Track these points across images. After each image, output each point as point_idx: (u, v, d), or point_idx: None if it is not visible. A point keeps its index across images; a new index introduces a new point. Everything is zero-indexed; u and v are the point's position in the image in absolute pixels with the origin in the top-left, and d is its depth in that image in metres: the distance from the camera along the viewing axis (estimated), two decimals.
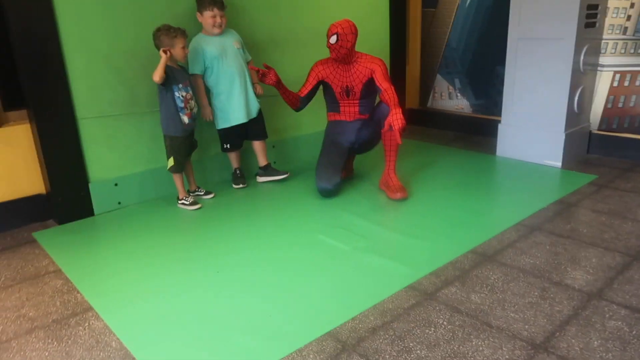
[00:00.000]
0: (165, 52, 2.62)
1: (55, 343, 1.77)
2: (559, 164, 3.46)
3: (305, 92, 3.01)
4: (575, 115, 3.50)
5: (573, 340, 1.67)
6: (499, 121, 3.78)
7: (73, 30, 2.64)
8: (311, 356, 1.65)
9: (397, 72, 4.50)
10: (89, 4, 2.67)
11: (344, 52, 2.84)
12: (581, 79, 3.44)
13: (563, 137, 3.41)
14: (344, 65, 2.94)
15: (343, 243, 2.42)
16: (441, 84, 4.70)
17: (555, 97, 3.41)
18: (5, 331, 1.85)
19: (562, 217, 2.65)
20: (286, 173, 3.36)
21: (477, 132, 4.43)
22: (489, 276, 2.09)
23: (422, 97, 4.88)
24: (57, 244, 2.56)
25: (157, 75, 2.61)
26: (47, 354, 1.72)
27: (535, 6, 3.36)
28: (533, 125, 3.56)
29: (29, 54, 2.54)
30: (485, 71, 4.34)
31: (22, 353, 1.73)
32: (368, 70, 2.91)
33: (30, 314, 1.96)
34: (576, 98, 3.43)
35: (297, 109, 3.06)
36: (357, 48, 2.98)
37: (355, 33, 2.85)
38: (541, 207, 2.78)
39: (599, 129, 3.72)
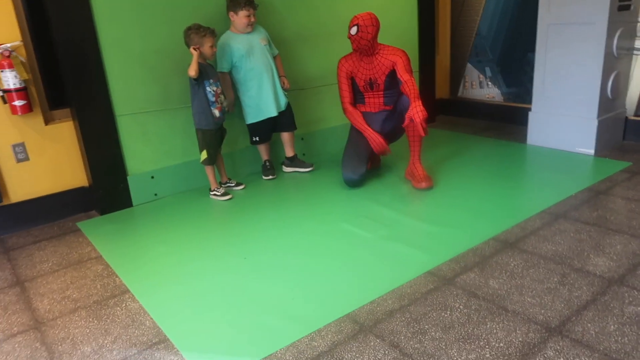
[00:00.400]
0: (195, 49, 2.75)
1: (95, 321, 1.93)
2: (591, 151, 3.39)
3: (349, 96, 3.10)
4: (609, 101, 3.41)
5: (589, 325, 1.68)
6: (530, 109, 3.72)
7: (110, 33, 2.81)
8: (329, 336, 1.73)
9: (426, 62, 4.49)
10: (124, 8, 2.82)
11: (364, 44, 2.89)
12: (615, 63, 3.35)
13: (596, 123, 3.34)
14: (367, 58, 2.99)
15: (366, 231, 2.49)
16: (472, 73, 4.65)
17: (587, 82, 3.33)
18: (52, 310, 2.03)
19: (590, 205, 2.61)
20: (311, 166, 3.45)
21: (508, 121, 4.37)
22: (508, 262, 2.11)
23: (452, 86, 4.85)
24: (98, 233, 2.74)
25: (193, 70, 2.75)
26: (88, 331, 1.88)
27: None
28: (565, 112, 3.49)
29: (70, 57, 2.72)
30: (516, 59, 4.27)
31: (66, 330, 1.89)
32: (390, 62, 2.94)
33: (74, 295, 2.13)
34: (610, 83, 3.34)
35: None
36: (384, 38, 3.02)
37: (376, 25, 2.89)
38: (569, 194, 2.75)
39: (635, 115, 3.60)
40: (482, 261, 2.14)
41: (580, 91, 3.38)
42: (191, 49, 2.78)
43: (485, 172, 3.22)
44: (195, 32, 2.82)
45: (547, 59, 3.51)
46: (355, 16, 2.90)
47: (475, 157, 3.55)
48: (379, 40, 3.05)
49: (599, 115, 3.34)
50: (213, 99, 2.92)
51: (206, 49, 2.84)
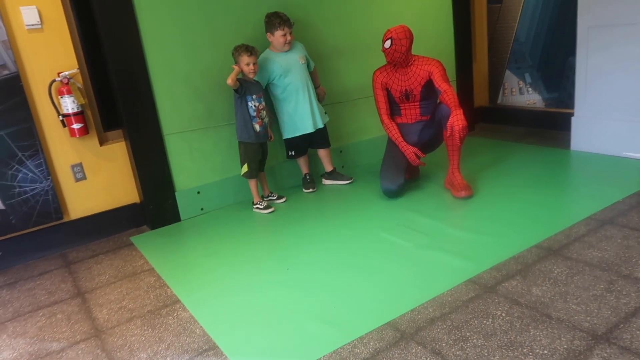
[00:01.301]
0: (235, 66, 2.94)
1: (150, 330, 2.05)
2: (639, 155, 3.28)
3: (386, 107, 3.14)
4: None
5: (638, 332, 1.65)
6: (573, 114, 3.65)
7: (157, 57, 2.98)
8: (371, 343, 1.77)
9: (463, 70, 4.48)
10: (170, 33, 3.00)
11: (397, 56, 2.94)
12: None
13: None
14: (402, 69, 3.04)
15: (405, 240, 2.52)
16: (511, 80, 4.60)
17: (632, 84, 3.24)
18: (110, 320, 2.17)
19: (638, 210, 2.54)
20: (351, 178, 3.51)
21: (550, 127, 4.29)
22: (552, 270, 2.09)
23: (491, 94, 4.81)
24: (150, 247, 2.89)
25: (230, 79, 2.90)
26: (143, 338, 1.99)
27: None
28: (609, 116, 3.41)
29: (122, 81, 2.91)
30: (556, 63, 4.20)
31: (124, 338, 2.02)
32: (426, 73, 2.98)
33: (130, 305, 2.27)
34: None
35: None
36: (419, 48, 3.06)
37: (409, 37, 2.94)
38: (616, 200, 2.68)
39: None
40: (524, 269, 2.12)
41: (625, 94, 3.29)
42: (234, 65, 2.95)
43: (527, 179, 3.18)
44: (237, 50, 2.97)
45: (589, 62, 3.45)
46: (389, 30, 2.96)
47: (517, 164, 3.51)
48: (415, 50, 3.10)
49: None
50: (254, 113, 3.05)
51: (242, 66, 2.98)
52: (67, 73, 2.83)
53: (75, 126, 2.86)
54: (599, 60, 3.39)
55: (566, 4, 3.98)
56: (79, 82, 2.92)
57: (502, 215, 2.67)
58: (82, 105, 2.90)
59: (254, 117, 3.06)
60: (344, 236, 2.68)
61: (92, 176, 3.05)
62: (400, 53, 2.94)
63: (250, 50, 2.98)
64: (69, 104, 2.82)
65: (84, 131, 2.90)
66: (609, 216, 2.52)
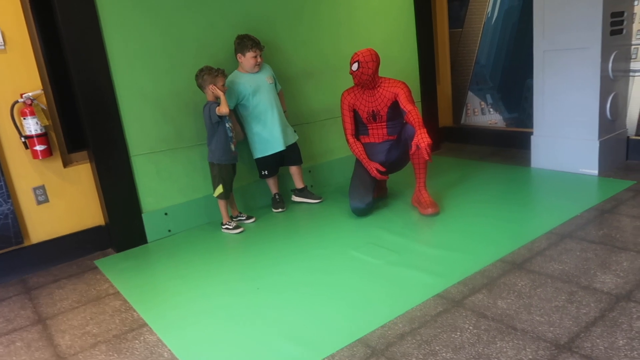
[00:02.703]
0: (217, 88, 2.95)
1: (115, 355, 1.99)
2: (595, 171, 3.44)
3: (351, 128, 3.21)
4: (609, 122, 3.48)
5: (598, 340, 1.71)
6: (532, 133, 3.80)
7: (125, 78, 2.96)
8: None
9: (428, 92, 4.62)
10: (138, 54, 2.99)
11: (365, 79, 3.02)
12: (612, 85, 3.44)
13: (597, 144, 3.40)
14: (369, 91, 3.11)
15: (375, 258, 2.54)
16: (473, 101, 4.77)
17: (586, 105, 3.42)
18: (73, 346, 2.09)
19: (595, 224, 2.65)
20: (320, 198, 3.55)
21: (511, 146, 4.45)
22: (516, 283, 2.15)
23: (455, 114, 4.96)
24: (115, 270, 2.82)
25: (226, 107, 2.94)
26: None
27: (558, 18, 3.42)
28: (566, 135, 3.57)
29: (88, 103, 2.87)
30: (515, 85, 4.39)
31: None
32: (392, 94, 3.06)
33: (94, 330, 2.20)
34: (608, 105, 3.42)
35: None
36: (387, 71, 3.15)
37: (376, 60, 3.02)
38: (574, 214, 2.79)
39: (636, 134, 3.67)
40: (490, 282, 2.18)
41: (580, 113, 3.46)
42: (218, 92, 2.96)
43: (490, 196, 3.28)
44: (208, 73, 2.97)
45: (545, 84, 3.62)
46: (356, 53, 3.04)
47: (481, 182, 3.61)
48: (382, 72, 3.19)
49: (600, 136, 3.41)
50: (231, 134, 3.08)
51: (219, 88, 2.99)
52: (30, 94, 2.78)
53: (38, 148, 2.79)
54: (554, 82, 3.56)
55: (522, 30, 4.18)
56: (43, 103, 2.87)
57: (467, 231, 2.74)
58: (45, 127, 2.84)
59: (231, 137, 3.08)
60: (314, 255, 2.68)
61: (55, 199, 2.97)
62: (367, 75, 3.01)
63: (223, 71, 3.00)
64: (31, 126, 2.76)
65: (47, 153, 2.84)
66: (568, 230, 2.62)
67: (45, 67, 2.92)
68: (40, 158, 2.83)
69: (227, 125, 3.06)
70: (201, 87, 3.03)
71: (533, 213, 2.95)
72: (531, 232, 2.63)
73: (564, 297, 2.00)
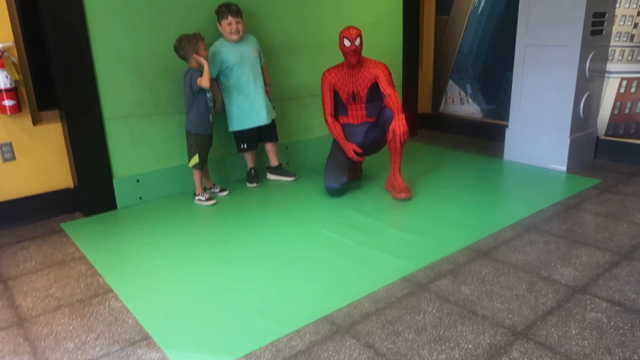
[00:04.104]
0: (199, 55, 2.88)
1: (78, 319, 1.97)
2: (564, 168, 3.54)
3: (331, 108, 3.19)
4: (581, 121, 3.57)
5: (552, 329, 1.78)
6: (507, 126, 3.87)
7: (102, 37, 2.87)
8: (307, 336, 1.80)
9: (410, 77, 4.63)
10: (118, 14, 2.89)
11: (359, 57, 3.01)
12: (587, 85, 3.51)
13: (568, 142, 3.49)
14: (350, 71, 3.10)
15: (346, 238, 2.57)
16: (453, 89, 4.80)
17: (560, 102, 3.49)
18: (35, 308, 2.06)
19: (559, 218, 2.74)
20: (295, 175, 3.54)
21: (487, 137, 4.52)
22: (480, 270, 2.21)
23: (434, 102, 5.00)
24: (82, 234, 2.77)
25: (207, 81, 2.86)
26: (71, 328, 1.91)
27: (543, 14, 3.45)
28: (539, 130, 3.64)
29: (62, 60, 2.77)
30: (495, 77, 4.44)
31: (49, 327, 1.93)
32: (372, 75, 3.06)
33: (57, 294, 2.17)
34: (582, 104, 3.50)
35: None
36: (370, 53, 3.15)
37: None
38: (540, 208, 2.88)
39: (605, 135, 3.78)
40: (455, 269, 2.24)
41: (554, 110, 3.53)
42: (201, 59, 2.89)
43: (462, 185, 3.34)
44: (187, 42, 2.90)
45: (524, 79, 3.67)
46: (351, 28, 2.99)
47: (454, 170, 3.67)
48: (364, 54, 3.17)
49: (571, 134, 3.49)
50: (211, 104, 3.02)
51: (202, 52, 2.93)
52: (0, 46, 2.66)
53: (7, 103, 2.69)
54: (533, 77, 3.62)
55: (507, 22, 4.21)
56: (14, 56, 2.75)
57: (438, 218, 2.79)
58: (15, 82, 2.73)
59: (210, 107, 3.03)
60: (285, 231, 2.70)
61: (22, 157, 2.88)
62: (361, 52, 3.00)
63: (200, 35, 2.93)
64: (0, 79, 2.65)
65: (17, 109, 2.73)
66: (533, 222, 2.70)
67: (18, 18, 2.79)
68: (9, 114, 2.72)
69: (208, 95, 3.00)
70: (184, 57, 2.96)
71: (502, 204, 3.03)
72: (498, 222, 2.70)
73: (524, 287, 2.07)
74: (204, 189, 3.24)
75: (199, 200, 3.15)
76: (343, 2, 3.93)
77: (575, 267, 2.22)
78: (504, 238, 2.52)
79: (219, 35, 3.20)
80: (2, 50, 2.66)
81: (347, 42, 2.99)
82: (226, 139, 3.45)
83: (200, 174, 3.16)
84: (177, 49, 2.94)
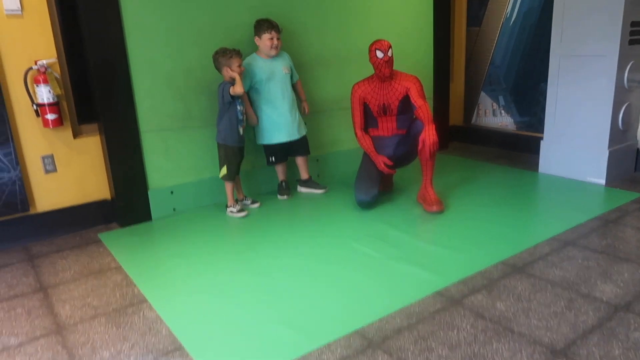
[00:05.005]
0: (233, 70, 2.96)
1: (114, 328, 2.01)
2: (602, 181, 3.43)
3: (361, 122, 3.20)
4: (620, 133, 3.47)
5: (594, 349, 1.72)
6: (542, 138, 3.79)
7: (140, 52, 2.96)
8: (339, 350, 1.78)
9: (440, 89, 4.60)
10: (155, 29, 2.98)
11: (392, 69, 3.03)
12: (626, 95, 3.41)
13: (607, 154, 3.39)
14: (381, 84, 3.10)
15: (376, 251, 2.55)
16: (485, 101, 4.74)
17: (598, 114, 3.40)
18: (73, 316, 2.12)
19: (599, 233, 2.65)
20: (325, 188, 3.55)
21: (520, 149, 4.43)
22: (516, 286, 2.16)
23: (466, 114, 4.94)
24: (118, 245, 2.84)
25: (240, 87, 2.94)
26: (107, 337, 1.95)
27: (578, 24, 3.39)
28: (576, 142, 3.55)
29: (101, 74, 2.87)
30: (529, 88, 4.36)
31: (86, 335, 1.97)
32: (403, 88, 3.05)
33: (94, 303, 2.22)
34: (620, 115, 3.40)
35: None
36: (400, 65, 3.17)
37: None
38: (578, 222, 2.79)
39: None
40: (490, 284, 2.19)
41: (592, 122, 3.44)
42: (232, 73, 2.96)
43: (496, 198, 3.27)
44: (222, 55, 2.97)
45: (559, 90, 3.59)
46: (381, 40, 3.02)
47: (487, 183, 3.61)
48: (395, 66, 3.18)
49: (610, 146, 3.39)
50: (241, 117, 3.08)
51: (235, 68, 2.99)
52: (44, 62, 2.78)
53: (50, 116, 2.80)
54: (568, 89, 3.54)
55: (540, 33, 4.14)
56: (57, 71, 2.87)
57: (471, 232, 2.74)
58: (58, 96, 2.84)
59: (240, 120, 3.08)
60: (316, 244, 2.70)
61: (63, 169, 2.98)
62: (392, 64, 3.01)
63: (238, 51, 3.00)
64: (44, 94, 2.76)
65: (58, 122, 2.84)
66: (571, 237, 2.62)
67: (60, 35, 2.91)
68: (51, 127, 2.83)
69: (239, 107, 3.06)
70: (218, 69, 3.03)
71: (537, 218, 2.95)
72: (534, 237, 2.63)
73: (563, 304, 2.00)
74: (236, 201, 3.28)
75: (231, 212, 3.19)
76: (373, 15, 3.95)
77: (616, 284, 2.13)
78: (540, 253, 2.46)
79: (250, 49, 3.26)
80: (46, 66, 2.78)
81: (379, 54, 2.99)
82: (257, 151, 3.49)
83: (232, 185, 3.21)
84: (213, 59, 3.03)
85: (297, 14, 3.54)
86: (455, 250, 2.52)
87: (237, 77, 2.95)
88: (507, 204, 3.16)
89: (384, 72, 3.03)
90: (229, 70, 2.97)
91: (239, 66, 3.02)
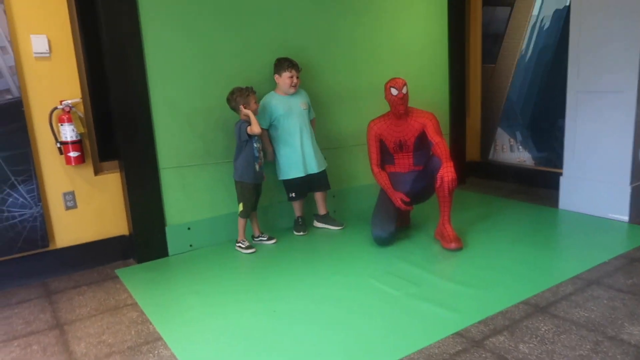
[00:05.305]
0: (246, 108, 3.02)
1: None
2: (625, 217, 3.35)
3: (377, 158, 3.22)
4: None
5: None
6: (561, 173, 3.74)
7: (160, 93, 3.04)
8: None
9: (457, 125, 4.61)
10: (176, 71, 3.07)
11: (407, 106, 3.06)
12: None
13: (629, 190, 3.32)
14: (396, 121, 3.13)
15: (394, 289, 2.51)
16: (502, 137, 4.73)
17: (618, 149, 3.35)
18: (88, 354, 2.10)
19: (624, 272, 2.57)
20: (342, 224, 3.55)
21: (539, 185, 4.38)
22: (539, 327, 2.09)
23: (483, 149, 4.92)
24: (135, 281, 2.84)
25: (257, 127, 2.98)
26: None
27: (594, 60, 3.39)
28: (596, 178, 3.49)
29: (124, 114, 2.95)
30: (546, 124, 4.34)
31: None
32: (420, 124, 3.07)
33: (110, 340, 2.21)
34: None
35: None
36: (416, 102, 3.21)
37: None
38: (602, 261, 2.71)
39: None
40: (512, 324, 2.12)
41: (612, 157, 3.39)
42: (246, 111, 3.01)
43: (515, 235, 3.21)
44: (240, 94, 3.03)
45: (578, 125, 3.57)
46: (397, 78, 3.08)
47: (506, 219, 3.55)
48: (411, 103, 3.23)
49: (632, 181, 3.33)
50: (257, 154, 3.11)
51: (252, 105, 3.05)
52: (69, 102, 2.87)
53: (72, 154, 2.87)
54: (587, 124, 3.51)
55: (556, 69, 4.15)
56: (81, 111, 2.96)
57: (490, 270, 2.69)
58: (80, 134, 2.92)
59: (257, 157, 3.12)
60: (333, 281, 2.66)
61: (83, 205, 3.03)
62: (407, 101, 3.04)
63: (252, 88, 3.06)
64: (68, 132, 2.84)
65: (80, 160, 2.91)
66: (595, 276, 2.54)
67: (85, 75, 3.02)
68: (73, 164, 2.90)
69: (255, 145, 3.09)
70: (235, 109, 3.09)
71: (559, 256, 2.88)
72: (556, 276, 2.56)
73: (588, 347, 1.93)
74: (252, 238, 3.28)
75: (239, 247, 3.19)
76: (389, 52, 4.01)
77: None
78: (563, 293, 2.38)
79: (269, 89, 3.33)
80: (70, 105, 2.87)
81: (394, 91, 3.03)
82: (274, 187, 3.51)
83: (245, 222, 3.21)
84: (229, 100, 3.08)
85: (313, 53, 3.62)
86: (475, 288, 2.47)
87: (252, 117, 3.00)
88: (527, 241, 3.10)
89: (399, 109, 3.06)
90: (242, 108, 3.02)
91: (255, 102, 3.07)
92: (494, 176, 4.81)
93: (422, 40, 4.23)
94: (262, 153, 3.18)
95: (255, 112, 3.09)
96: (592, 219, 3.43)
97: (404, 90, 3.03)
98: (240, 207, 3.16)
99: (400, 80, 3.06)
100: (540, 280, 2.52)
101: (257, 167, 3.14)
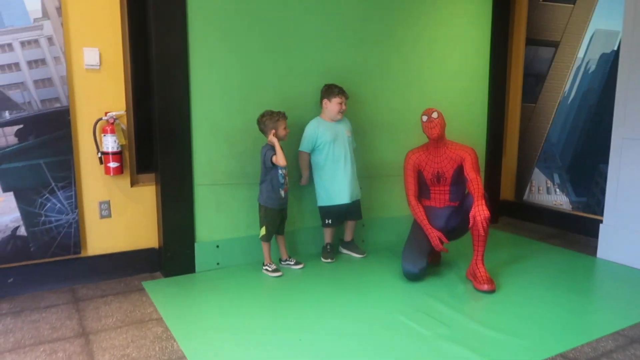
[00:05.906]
0: (274, 134, 2.99)
1: None
2: None
3: (415, 189, 3.18)
4: None
5: None
6: (601, 221, 3.61)
7: (201, 110, 3.09)
8: None
9: (493, 163, 4.53)
10: (217, 88, 3.12)
11: (440, 130, 3.02)
12: None
13: None
14: (435, 151, 3.09)
15: (424, 327, 2.43)
16: (539, 178, 4.61)
17: None
18: None
19: None
20: (364, 253, 3.55)
21: (576, 231, 4.23)
22: None
23: (517, 189, 4.81)
24: (161, 295, 2.84)
25: (283, 160, 2.98)
26: None
27: None
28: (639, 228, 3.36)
29: (165, 129, 3.00)
30: (587, 168, 4.22)
31: None
32: (459, 157, 3.04)
33: (133, 354, 2.19)
34: None
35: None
36: (454, 136, 3.13)
37: (444, 120, 3.08)
38: None
39: None
40: None
41: None
42: (273, 139, 3.01)
43: (551, 281, 3.10)
44: (269, 118, 3.04)
45: (621, 172, 3.46)
46: (428, 108, 3.09)
47: (541, 264, 3.43)
48: (448, 137, 3.18)
49: None
50: (283, 180, 3.09)
51: (281, 131, 3.05)
52: (114, 114, 2.93)
53: (112, 165, 2.92)
54: (631, 171, 3.40)
55: (600, 113, 4.05)
56: (124, 123, 3.02)
57: (524, 316, 2.58)
58: (121, 146, 2.97)
59: (282, 184, 3.10)
60: (361, 314, 2.60)
61: (117, 215, 3.06)
62: (442, 127, 3.02)
63: (283, 114, 3.07)
64: (110, 143, 2.90)
65: (119, 170, 2.95)
66: (638, 334, 2.41)
67: (131, 89, 3.08)
68: (112, 175, 2.95)
69: (281, 171, 3.08)
70: (263, 131, 3.10)
71: (598, 308, 2.75)
72: (596, 329, 2.44)
73: None
74: (280, 261, 3.25)
75: (266, 270, 3.16)
76: (429, 84, 4.00)
77: None
78: (603, 349, 2.26)
79: (310, 114, 3.35)
80: (114, 117, 2.93)
81: (424, 118, 3.07)
82: (303, 212, 3.49)
83: (268, 245, 3.18)
84: (258, 122, 3.09)
85: (353, 80, 3.62)
86: (509, 335, 2.36)
87: (278, 147, 2.99)
88: (563, 288, 2.97)
89: (432, 132, 3.04)
90: (271, 137, 3.02)
91: (285, 128, 3.07)
92: (528, 217, 4.68)
93: (465, 76, 4.21)
94: (287, 179, 3.16)
95: (284, 138, 3.09)
96: (633, 271, 3.28)
97: (434, 115, 3.02)
98: (263, 231, 3.14)
99: (428, 109, 3.07)
100: (578, 333, 2.40)
101: (282, 193, 3.11)
